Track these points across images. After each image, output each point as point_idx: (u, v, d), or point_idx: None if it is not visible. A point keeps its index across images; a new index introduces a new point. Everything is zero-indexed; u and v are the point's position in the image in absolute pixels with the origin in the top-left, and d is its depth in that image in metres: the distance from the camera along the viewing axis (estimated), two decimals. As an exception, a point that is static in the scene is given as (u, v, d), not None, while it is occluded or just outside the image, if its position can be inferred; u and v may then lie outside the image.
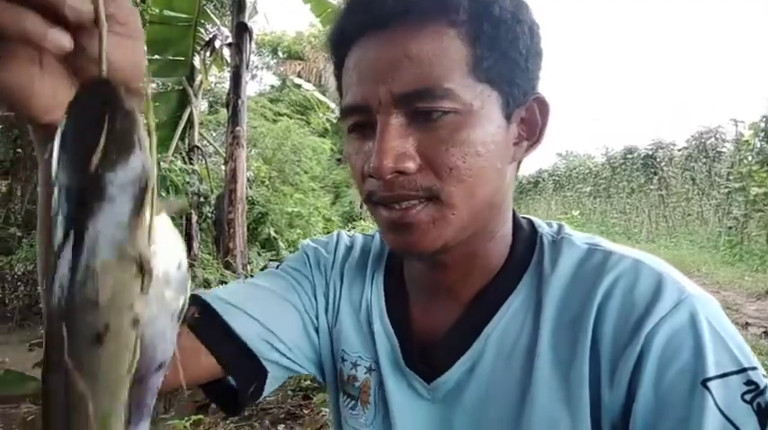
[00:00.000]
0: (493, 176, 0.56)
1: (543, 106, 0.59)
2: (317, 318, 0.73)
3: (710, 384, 0.47)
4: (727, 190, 12.68)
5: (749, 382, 0.47)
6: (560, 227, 0.66)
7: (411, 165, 0.52)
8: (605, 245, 0.60)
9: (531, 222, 0.67)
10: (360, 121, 0.56)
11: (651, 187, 16.19)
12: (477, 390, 0.59)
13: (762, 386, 0.47)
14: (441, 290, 0.65)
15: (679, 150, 15.83)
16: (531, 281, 0.60)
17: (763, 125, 11.28)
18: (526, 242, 0.64)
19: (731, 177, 12.76)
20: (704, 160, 14.63)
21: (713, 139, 14.49)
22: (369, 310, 0.70)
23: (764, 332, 5.35)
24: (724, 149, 14.24)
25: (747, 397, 0.47)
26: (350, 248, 0.77)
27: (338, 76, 0.61)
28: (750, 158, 11.96)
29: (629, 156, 17.38)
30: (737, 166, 12.50)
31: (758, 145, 11.61)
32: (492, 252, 0.62)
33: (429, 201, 0.54)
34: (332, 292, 0.74)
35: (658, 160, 16.27)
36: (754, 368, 0.48)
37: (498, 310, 0.60)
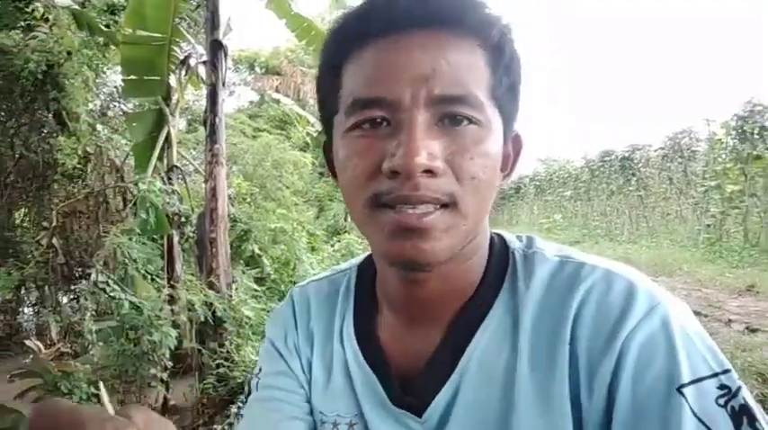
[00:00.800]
0: (492, 194, 0.57)
1: (518, 142, 0.63)
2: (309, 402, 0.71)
3: (685, 390, 0.48)
4: (703, 188, 12.95)
5: (722, 386, 0.48)
6: (530, 240, 0.66)
7: (440, 165, 0.52)
8: (576, 256, 0.61)
9: (501, 237, 0.67)
10: (375, 117, 0.54)
11: (630, 188, 16.47)
12: (462, 417, 0.58)
13: (734, 388, 0.48)
14: (419, 311, 0.63)
15: (655, 151, 16.15)
16: (506, 299, 0.61)
17: (734, 123, 11.57)
18: (499, 258, 0.64)
19: (707, 176, 13.04)
20: (680, 160, 14.94)
21: (687, 139, 14.82)
22: (344, 362, 0.68)
23: (747, 328, 5.43)
24: (698, 149, 14.56)
25: (721, 400, 0.48)
26: (307, 302, 0.75)
27: (333, 71, 0.59)
28: (724, 157, 12.24)
29: (607, 158, 17.68)
30: (712, 165, 12.78)
31: (731, 143, 11.90)
32: (471, 270, 0.62)
33: (445, 208, 0.53)
34: (305, 361, 0.72)
35: (635, 162, 16.58)
36: (726, 371, 0.50)
37: (477, 332, 0.60)
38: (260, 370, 0.75)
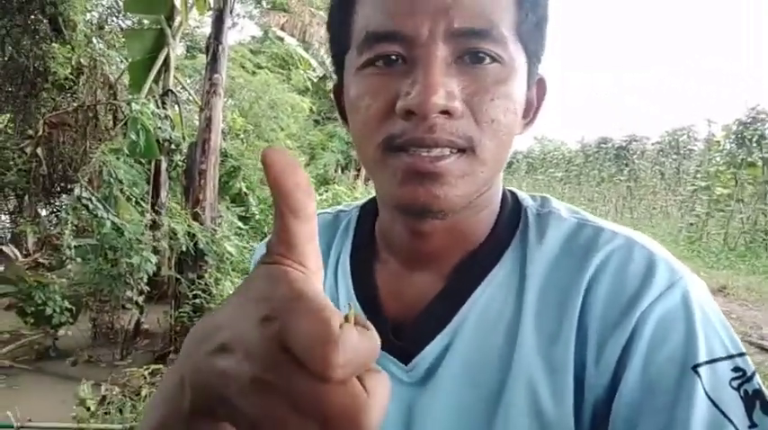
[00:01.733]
0: (512, 141, 0.53)
1: (542, 88, 0.59)
2: None
3: (700, 369, 0.46)
4: (692, 188, 13.09)
5: (737, 369, 0.47)
6: (544, 199, 0.63)
7: (459, 106, 0.48)
8: (594, 220, 0.58)
9: (514, 195, 0.64)
10: (389, 53, 0.50)
11: (621, 178, 16.59)
12: (455, 367, 0.55)
13: (749, 373, 0.47)
14: (421, 260, 0.60)
15: (652, 145, 16.21)
16: (515, 254, 0.58)
17: (734, 128, 11.60)
18: (510, 215, 0.61)
19: (698, 176, 13.16)
20: (675, 157, 15.02)
21: (686, 137, 14.87)
22: (334, 298, 0.65)
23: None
24: (695, 148, 14.64)
25: (735, 383, 0.46)
26: None
27: (345, 3, 0.54)
28: (718, 159, 12.34)
29: (604, 145, 17.71)
30: (705, 166, 12.88)
31: (728, 147, 11.96)
32: (480, 222, 0.59)
33: (462, 153, 0.49)
34: None
35: (631, 152, 16.63)
36: (741, 354, 0.48)
37: (480, 283, 0.57)
38: None
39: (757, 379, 0.47)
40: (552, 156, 21.39)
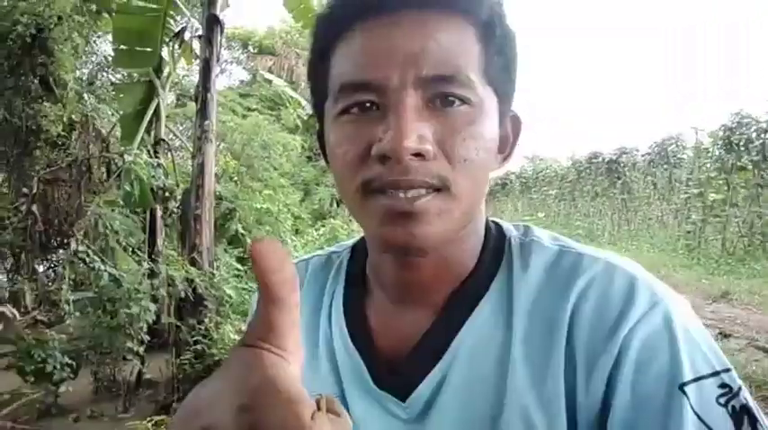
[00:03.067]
0: (487, 177, 0.56)
1: (516, 124, 0.62)
2: None
3: (687, 388, 0.47)
4: (686, 195, 13.15)
5: (723, 385, 0.48)
6: (527, 229, 0.64)
7: (431, 149, 0.50)
8: (575, 246, 0.60)
9: (498, 225, 0.66)
10: (363, 101, 0.52)
11: (614, 191, 16.65)
12: (451, 400, 0.56)
13: (735, 388, 0.48)
14: (411, 295, 0.62)
15: (642, 156, 16.33)
16: (501, 285, 0.59)
17: (721, 134, 11.73)
18: (495, 245, 0.62)
19: (690, 183, 13.24)
20: (665, 166, 15.13)
21: (675, 146, 15.01)
22: (329, 342, 0.66)
23: (720, 333, 5.55)
24: (684, 156, 14.76)
25: (722, 400, 0.47)
26: (303, 275, 0.73)
27: (321, 57, 0.57)
28: (709, 166, 12.43)
29: (594, 160, 17.84)
30: (696, 173, 12.97)
31: (716, 153, 12.07)
32: (465, 255, 0.61)
33: (437, 192, 0.51)
34: None
35: (622, 165, 16.75)
36: (727, 370, 0.49)
37: (470, 316, 0.58)
38: None
39: (744, 394, 0.48)
40: (545, 174, 21.49)
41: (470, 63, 0.52)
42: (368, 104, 0.52)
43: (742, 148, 11.19)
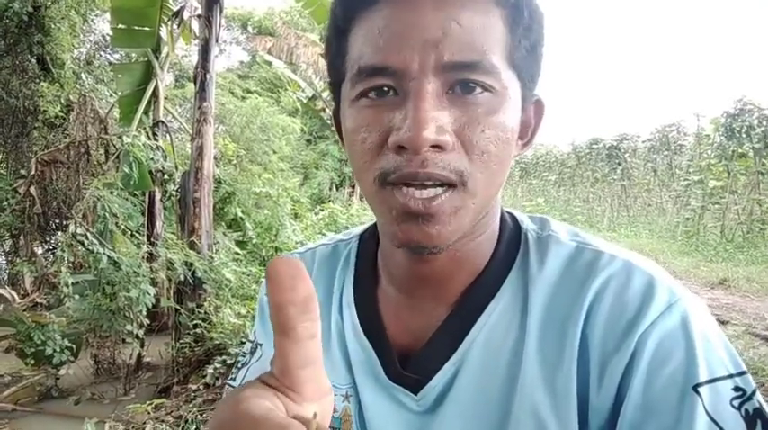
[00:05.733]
0: (506, 168, 0.54)
1: (540, 108, 0.59)
2: None
3: (701, 389, 0.46)
4: (686, 182, 13.14)
5: (737, 388, 0.47)
6: (543, 222, 0.63)
7: (450, 140, 0.48)
8: (594, 243, 0.58)
9: (514, 217, 0.64)
10: (381, 85, 0.50)
11: (614, 177, 16.64)
12: (464, 394, 0.56)
13: (749, 391, 0.47)
14: (424, 289, 0.61)
15: (643, 142, 16.29)
16: (516, 280, 0.58)
17: (723, 120, 11.68)
18: (510, 239, 0.61)
19: (690, 170, 13.22)
20: (666, 153, 15.10)
21: (676, 133, 14.96)
22: (341, 332, 0.66)
23: (718, 320, 5.55)
24: (685, 143, 14.73)
25: (736, 403, 0.47)
26: (310, 266, 0.72)
27: (340, 35, 0.55)
28: (709, 152, 12.40)
29: (595, 146, 17.78)
30: (697, 160, 12.95)
31: (718, 140, 12.03)
32: (480, 248, 0.59)
33: (452, 189, 0.49)
34: None
35: (622, 151, 16.71)
36: (742, 373, 0.49)
37: (483, 312, 0.57)
38: (255, 336, 0.73)
39: (758, 397, 0.47)
40: (545, 159, 21.46)
41: (495, 47, 0.49)
42: (386, 89, 0.50)
43: (743, 135, 11.15)
